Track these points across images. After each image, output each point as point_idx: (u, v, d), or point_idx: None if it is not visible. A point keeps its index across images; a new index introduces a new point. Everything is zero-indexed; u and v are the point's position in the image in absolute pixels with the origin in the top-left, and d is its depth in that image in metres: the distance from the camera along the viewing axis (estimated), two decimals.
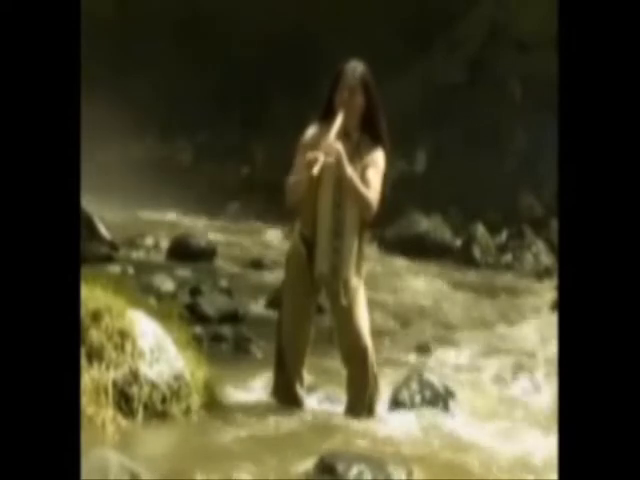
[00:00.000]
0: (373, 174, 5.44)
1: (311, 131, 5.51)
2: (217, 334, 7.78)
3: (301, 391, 5.65)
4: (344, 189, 5.40)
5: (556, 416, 3.61)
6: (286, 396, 5.62)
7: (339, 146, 5.32)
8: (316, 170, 5.21)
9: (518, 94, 18.03)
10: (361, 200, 5.39)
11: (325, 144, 5.28)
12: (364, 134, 5.53)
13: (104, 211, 14.69)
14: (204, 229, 15.36)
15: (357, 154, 5.45)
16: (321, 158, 5.22)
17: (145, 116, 21.41)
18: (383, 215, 5.61)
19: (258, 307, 9.17)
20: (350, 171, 5.35)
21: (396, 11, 19.40)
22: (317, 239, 5.49)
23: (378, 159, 5.50)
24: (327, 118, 5.46)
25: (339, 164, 5.31)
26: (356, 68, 5.51)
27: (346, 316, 5.51)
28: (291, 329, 5.59)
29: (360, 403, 5.54)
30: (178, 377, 5.25)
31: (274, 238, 14.89)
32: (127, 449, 4.46)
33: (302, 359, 5.63)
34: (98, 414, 4.89)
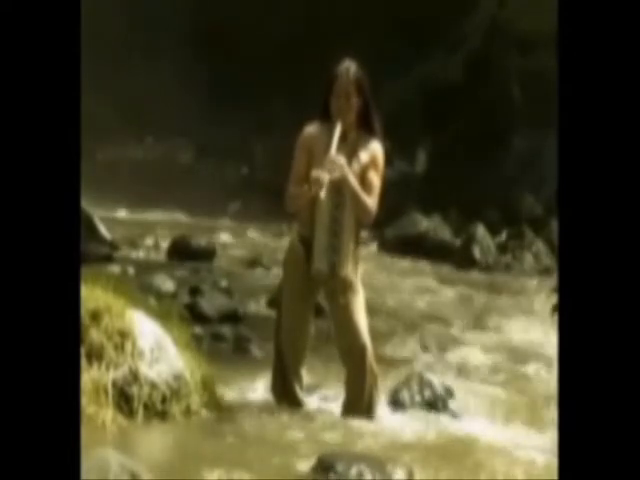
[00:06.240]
0: (374, 175, 5.49)
1: (309, 129, 5.54)
2: (217, 334, 7.78)
3: (300, 391, 5.65)
4: (345, 195, 5.43)
5: (556, 415, 3.61)
6: (285, 396, 5.62)
7: (342, 161, 5.36)
8: (323, 194, 5.26)
9: (518, 94, 18.03)
10: (362, 208, 5.45)
11: (329, 160, 5.31)
12: (359, 130, 5.54)
13: (104, 211, 14.69)
14: (204, 229, 15.36)
15: (354, 154, 5.47)
16: (326, 178, 5.27)
17: (145, 116, 21.42)
18: (382, 214, 5.64)
19: (258, 307, 9.17)
20: (354, 183, 5.40)
21: (396, 11, 19.41)
22: (315, 237, 5.50)
23: (377, 156, 5.53)
24: (325, 118, 5.49)
25: (344, 180, 5.37)
26: (349, 69, 5.50)
27: (344, 315, 5.52)
28: (290, 329, 5.59)
29: (359, 402, 5.53)
30: (178, 377, 5.24)
31: (274, 238, 14.89)
32: (127, 449, 4.45)
33: (301, 359, 5.63)
34: (98, 414, 4.88)
